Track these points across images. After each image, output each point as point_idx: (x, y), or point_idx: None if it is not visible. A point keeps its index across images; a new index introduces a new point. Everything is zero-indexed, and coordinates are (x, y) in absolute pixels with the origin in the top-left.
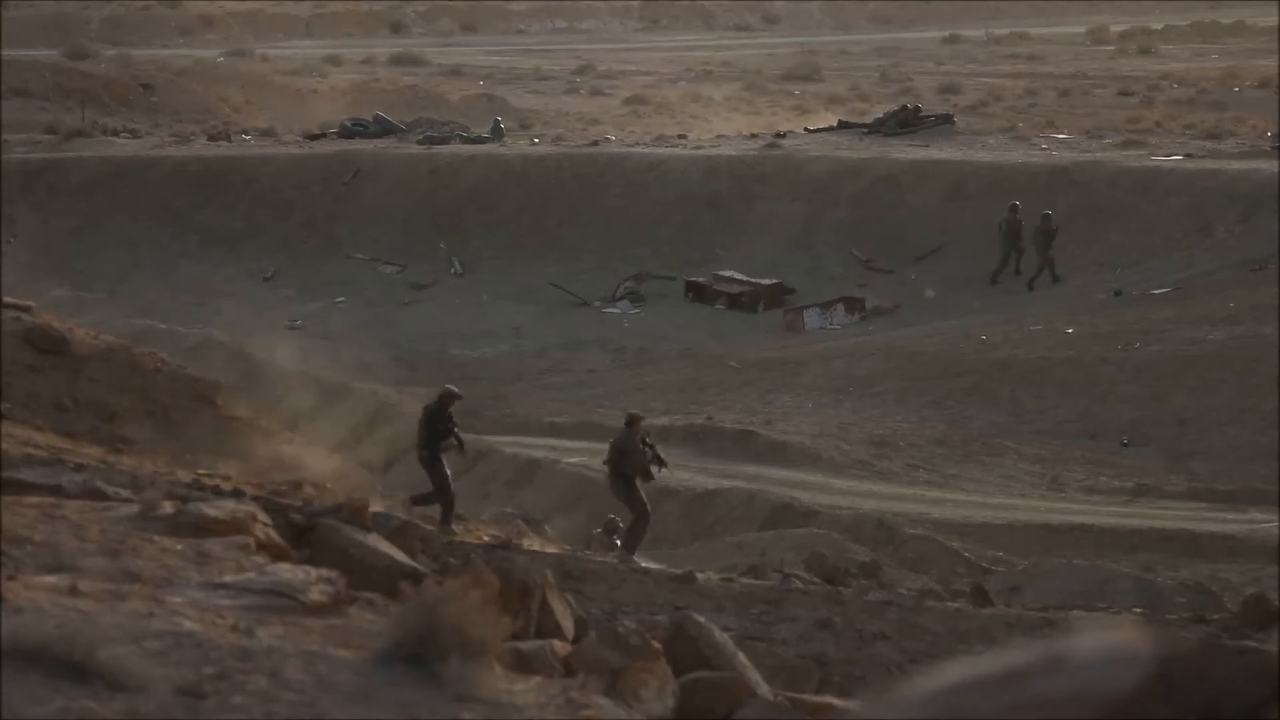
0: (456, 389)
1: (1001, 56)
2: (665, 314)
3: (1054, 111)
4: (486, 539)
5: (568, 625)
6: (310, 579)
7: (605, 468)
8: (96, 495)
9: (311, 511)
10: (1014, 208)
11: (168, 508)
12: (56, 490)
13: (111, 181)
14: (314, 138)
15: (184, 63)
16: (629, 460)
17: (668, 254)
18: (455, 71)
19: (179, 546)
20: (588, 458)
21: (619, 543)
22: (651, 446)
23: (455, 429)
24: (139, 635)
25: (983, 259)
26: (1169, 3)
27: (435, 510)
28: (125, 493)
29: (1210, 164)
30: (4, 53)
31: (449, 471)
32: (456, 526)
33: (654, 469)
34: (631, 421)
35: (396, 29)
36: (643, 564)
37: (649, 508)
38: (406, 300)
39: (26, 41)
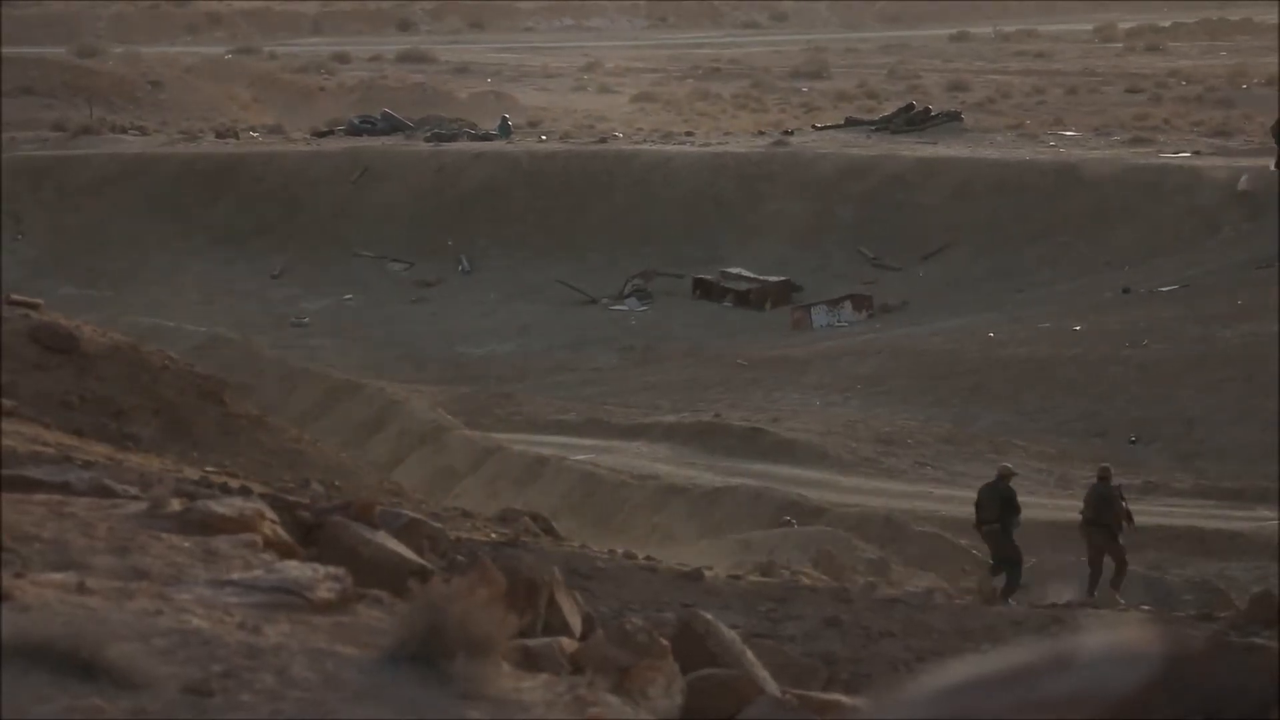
0: (1011, 466)
1: (1009, 54)
2: (672, 311)
3: (1062, 109)
4: (494, 536)
5: (575, 623)
6: (318, 576)
7: (1081, 517)
8: (104, 493)
9: (319, 509)
10: None
11: (175, 505)
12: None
13: (119, 179)
14: (322, 135)
15: (192, 60)
16: (1112, 509)
17: (675, 251)
18: (463, 69)
19: (187, 544)
20: (595, 455)
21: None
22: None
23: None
24: (146, 633)
25: (989, 256)
26: (1177, 0)
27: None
28: (133, 490)
29: (1218, 161)
30: (13, 51)
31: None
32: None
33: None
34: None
35: (404, 26)
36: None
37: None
38: (414, 298)
39: (34, 39)
